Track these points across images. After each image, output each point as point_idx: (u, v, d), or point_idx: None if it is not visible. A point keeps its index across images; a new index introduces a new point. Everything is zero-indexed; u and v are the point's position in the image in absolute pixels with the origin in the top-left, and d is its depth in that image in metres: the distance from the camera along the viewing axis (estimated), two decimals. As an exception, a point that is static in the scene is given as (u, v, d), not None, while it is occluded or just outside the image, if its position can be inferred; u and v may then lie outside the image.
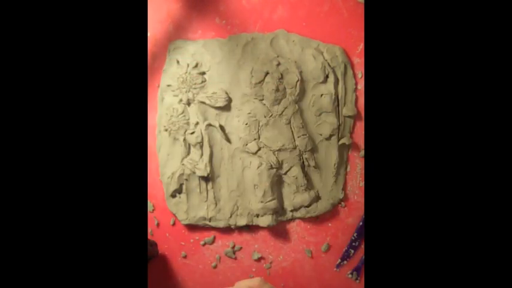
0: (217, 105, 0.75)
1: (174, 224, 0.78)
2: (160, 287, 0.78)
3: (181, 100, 0.76)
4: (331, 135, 0.74)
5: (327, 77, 0.74)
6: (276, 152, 0.74)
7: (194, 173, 0.74)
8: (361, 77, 0.75)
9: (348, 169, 0.75)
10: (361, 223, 0.74)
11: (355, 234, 0.74)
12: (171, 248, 0.78)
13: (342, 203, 0.75)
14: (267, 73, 0.74)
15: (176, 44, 0.78)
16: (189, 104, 0.76)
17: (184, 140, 0.76)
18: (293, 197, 0.74)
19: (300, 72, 0.74)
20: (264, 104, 0.74)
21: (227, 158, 0.75)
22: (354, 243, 0.74)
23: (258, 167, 0.73)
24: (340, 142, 0.74)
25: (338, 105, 0.74)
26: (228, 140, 0.76)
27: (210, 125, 0.75)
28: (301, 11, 0.76)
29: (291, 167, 0.74)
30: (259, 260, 0.76)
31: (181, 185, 0.76)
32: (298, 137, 0.73)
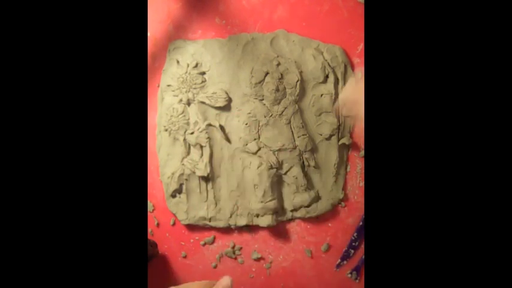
0: (217, 105, 0.75)
1: (174, 224, 0.78)
2: (160, 287, 0.78)
3: (181, 100, 0.76)
4: (331, 135, 0.74)
5: (327, 77, 0.74)
6: (276, 152, 0.74)
7: (194, 173, 0.74)
8: (361, 77, 0.75)
9: (348, 169, 0.75)
10: (361, 223, 0.74)
11: (355, 234, 0.74)
12: (171, 248, 0.78)
13: (342, 203, 0.75)
14: (267, 73, 0.74)
15: (176, 44, 0.78)
16: (189, 104, 0.76)
17: (184, 140, 0.76)
18: (293, 197, 0.74)
19: (300, 72, 0.74)
20: (264, 104, 0.74)
21: (227, 158, 0.75)
22: (354, 243, 0.74)
23: (258, 167, 0.73)
24: (340, 142, 0.74)
25: (338, 105, 0.74)
26: (228, 140, 0.76)
27: (210, 125, 0.75)
28: (301, 11, 0.76)
29: (291, 167, 0.74)
30: (259, 260, 0.76)
31: (181, 185, 0.76)
32: (298, 137, 0.73)
